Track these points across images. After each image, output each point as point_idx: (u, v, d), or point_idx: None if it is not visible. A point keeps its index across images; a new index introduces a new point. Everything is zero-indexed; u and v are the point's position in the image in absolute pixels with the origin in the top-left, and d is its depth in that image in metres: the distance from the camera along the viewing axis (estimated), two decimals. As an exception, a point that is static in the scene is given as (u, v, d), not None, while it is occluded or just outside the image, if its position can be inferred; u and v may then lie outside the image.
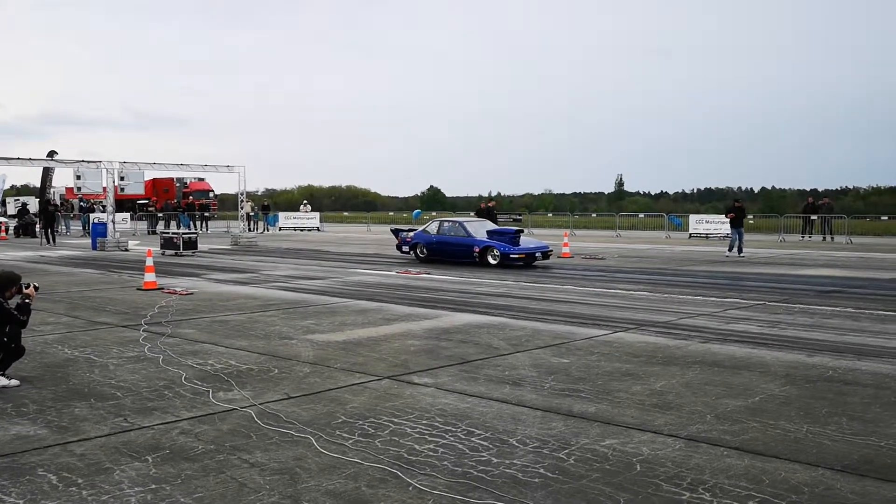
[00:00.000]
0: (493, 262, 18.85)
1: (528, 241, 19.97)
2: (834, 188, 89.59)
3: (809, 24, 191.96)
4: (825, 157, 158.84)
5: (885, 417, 5.77)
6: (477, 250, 19.18)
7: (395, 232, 22.34)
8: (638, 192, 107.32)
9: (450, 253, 19.89)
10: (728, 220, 23.15)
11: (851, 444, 5.12)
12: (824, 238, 31.91)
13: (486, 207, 28.22)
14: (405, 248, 21.31)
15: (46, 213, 31.62)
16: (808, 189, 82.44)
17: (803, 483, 4.41)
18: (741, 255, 21.98)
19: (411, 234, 21.37)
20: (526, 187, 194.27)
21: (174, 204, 47.44)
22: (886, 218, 39.74)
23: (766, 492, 4.28)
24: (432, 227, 20.85)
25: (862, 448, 5.05)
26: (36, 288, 7.05)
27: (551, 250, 19.93)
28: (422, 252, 20.55)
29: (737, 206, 22.88)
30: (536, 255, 19.11)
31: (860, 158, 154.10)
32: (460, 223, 20.50)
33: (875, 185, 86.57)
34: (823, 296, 13.23)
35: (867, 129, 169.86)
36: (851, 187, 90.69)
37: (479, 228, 20.07)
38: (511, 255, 18.68)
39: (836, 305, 11.95)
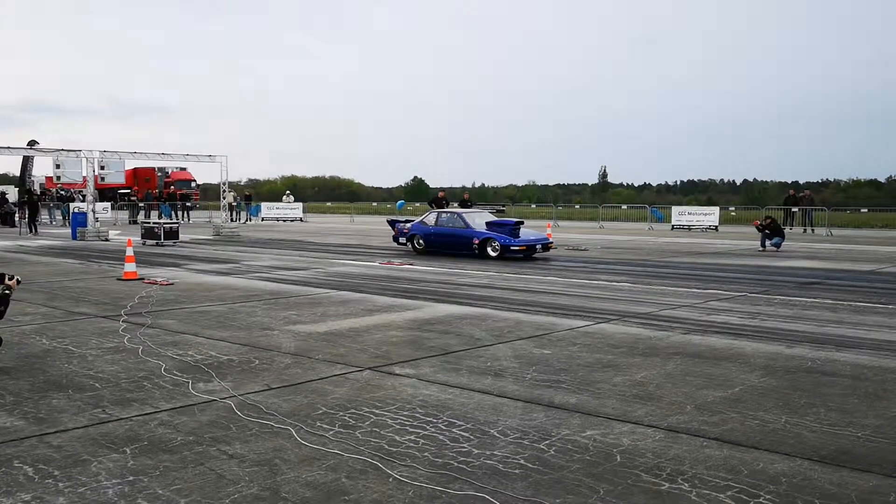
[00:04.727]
0: (493, 254, 18.41)
1: (527, 232, 19.45)
2: (815, 181, 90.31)
3: (791, 18, 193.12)
4: (806, 150, 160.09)
5: (863, 408, 5.82)
6: (476, 242, 18.75)
7: (392, 223, 21.92)
8: (622, 184, 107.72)
9: (448, 245, 19.48)
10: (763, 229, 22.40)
11: (829, 435, 5.16)
12: (805, 230, 32.17)
13: (442, 198, 28.68)
14: (402, 240, 20.88)
15: (30, 202, 31.32)
16: (789, 181, 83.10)
17: (781, 473, 4.44)
18: (777, 249, 21.65)
19: (408, 225, 20.92)
20: (509, 178, 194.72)
21: (155, 193, 47.08)
22: (866, 210, 40.21)
23: (745, 482, 4.30)
24: (430, 219, 20.37)
25: (840, 438, 5.09)
26: (18, 281, 6.97)
27: (552, 242, 19.76)
28: (419, 244, 20.19)
29: (768, 222, 22.34)
30: (537, 247, 18.82)
31: (841, 151, 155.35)
32: (459, 214, 20.07)
33: (855, 178, 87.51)
34: (803, 287, 13.33)
35: (848, 123, 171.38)
36: (832, 180, 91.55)
37: (477, 219, 19.62)
38: (512, 248, 18.33)
39: (815, 297, 12.05)
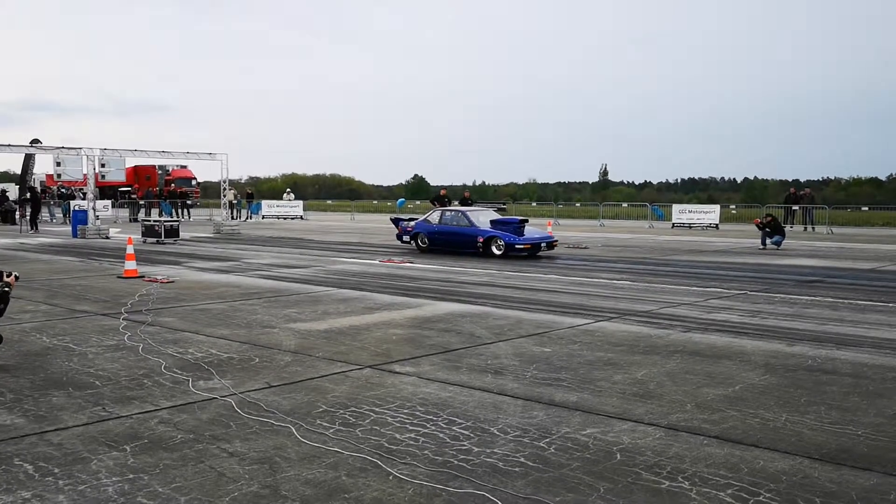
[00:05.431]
0: (497, 252, 18.29)
1: (531, 230, 19.32)
2: (815, 179, 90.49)
3: (791, 18, 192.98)
4: (807, 148, 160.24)
5: (863, 406, 5.82)
6: (481, 240, 18.62)
7: (396, 221, 21.82)
8: (622, 182, 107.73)
9: (452, 243, 19.34)
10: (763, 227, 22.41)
11: (830, 433, 5.16)
12: (805, 228, 32.17)
13: (444, 195, 28.77)
14: (406, 238, 20.77)
15: (34, 199, 31.32)
16: (790, 179, 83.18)
17: (781, 471, 4.44)
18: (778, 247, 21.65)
19: (412, 223, 20.81)
20: (510, 176, 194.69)
21: (156, 191, 47.06)
22: (866, 208, 40.17)
23: (745, 480, 4.30)
24: (434, 217, 20.24)
25: (840, 437, 5.09)
26: (17, 278, 6.98)
27: (556, 240, 19.68)
28: (423, 242, 20.04)
29: (768, 220, 22.49)
30: (542, 245, 18.70)
31: (842, 150, 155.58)
32: (462, 212, 19.94)
33: (856, 177, 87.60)
34: (804, 285, 13.33)
35: (849, 121, 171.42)
36: (833, 178, 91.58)
37: (481, 218, 19.50)
38: (516, 246, 18.19)
39: (816, 295, 12.04)
